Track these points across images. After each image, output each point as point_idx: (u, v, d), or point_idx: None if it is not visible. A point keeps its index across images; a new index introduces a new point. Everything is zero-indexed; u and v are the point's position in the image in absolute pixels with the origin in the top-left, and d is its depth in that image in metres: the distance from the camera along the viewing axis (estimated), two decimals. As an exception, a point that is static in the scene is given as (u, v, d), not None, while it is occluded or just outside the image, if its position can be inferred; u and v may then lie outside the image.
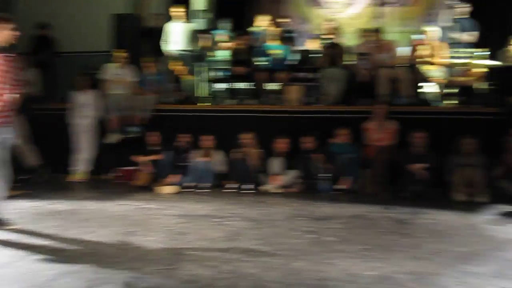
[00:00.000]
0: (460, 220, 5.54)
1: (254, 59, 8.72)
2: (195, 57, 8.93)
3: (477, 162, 6.76)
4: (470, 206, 6.26)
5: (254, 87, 8.57)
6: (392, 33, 9.90)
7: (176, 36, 8.95)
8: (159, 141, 7.65)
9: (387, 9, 12.02)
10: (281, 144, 7.38)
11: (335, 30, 8.82)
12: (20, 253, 4.12)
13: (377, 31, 8.43)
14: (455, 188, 6.69)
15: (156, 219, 5.40)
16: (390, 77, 7.96)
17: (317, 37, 10.01)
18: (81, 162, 8.10)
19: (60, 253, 4.17)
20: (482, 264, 3.98)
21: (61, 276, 3.59)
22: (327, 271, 3.76)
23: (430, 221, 5.44)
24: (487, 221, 5.49)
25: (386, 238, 4.76)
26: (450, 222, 5.41)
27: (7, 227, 4.84)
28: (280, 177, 7.24)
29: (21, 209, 5.72)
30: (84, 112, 8.11)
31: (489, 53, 8.33)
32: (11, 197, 5.36)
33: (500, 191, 6.56)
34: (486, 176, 6.72)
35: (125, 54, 8.42)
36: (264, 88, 8.55)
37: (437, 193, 6.83)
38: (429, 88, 8.38)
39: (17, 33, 4.87)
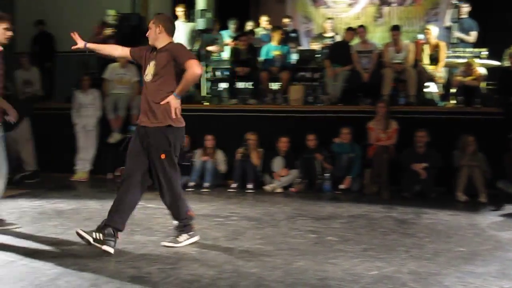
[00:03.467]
0: (463, 220, 5.53)
1: (256, 58, 8.72)
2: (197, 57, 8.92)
3: (478, 161, 6.75)
4: (472, 206, 6.27)
5: (256, 87, 8.57)
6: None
7: (177, 36, 8.92)
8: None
9: (388, 9, 12.05)
10: (283, 143, 7.37)
11: (340, 30, 8.80)
12: (22, 252, 4.11)
13: (394, 29, 8.36)
14: (457, 187, 6.68)
15: (157, 218, 5.38)
16: (394, 77, 7.95)
17: (320, 36, 10.03)
18: (83, 162, 8.11)
19: (62, 252, 4.16)
20: (484, 264, 3.97)
21: (64, 275, 3.58)
22: (329, 271, 3.75)
23: (432, 221, 5.44)
24: (489, 221, 5.47)
25: (387, 238, 4.75)
26: (452, 222, 5.40)
27: (4, 227, 4.78)
28: (282, 176, 7.24)
29: (21, 209, 5.71)
30: (86, 111, 8.13)
31: (487, 53, 8.32)
32: (10, 196, 5.33)
33: (500, 191, 6.55)
34: (487, 176, 6.72)
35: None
36: (265, 87, 8.56)
37: (439, 193, 6.83)
38: (431, 88, 8.38)
39: (10, 32, 4.68)
